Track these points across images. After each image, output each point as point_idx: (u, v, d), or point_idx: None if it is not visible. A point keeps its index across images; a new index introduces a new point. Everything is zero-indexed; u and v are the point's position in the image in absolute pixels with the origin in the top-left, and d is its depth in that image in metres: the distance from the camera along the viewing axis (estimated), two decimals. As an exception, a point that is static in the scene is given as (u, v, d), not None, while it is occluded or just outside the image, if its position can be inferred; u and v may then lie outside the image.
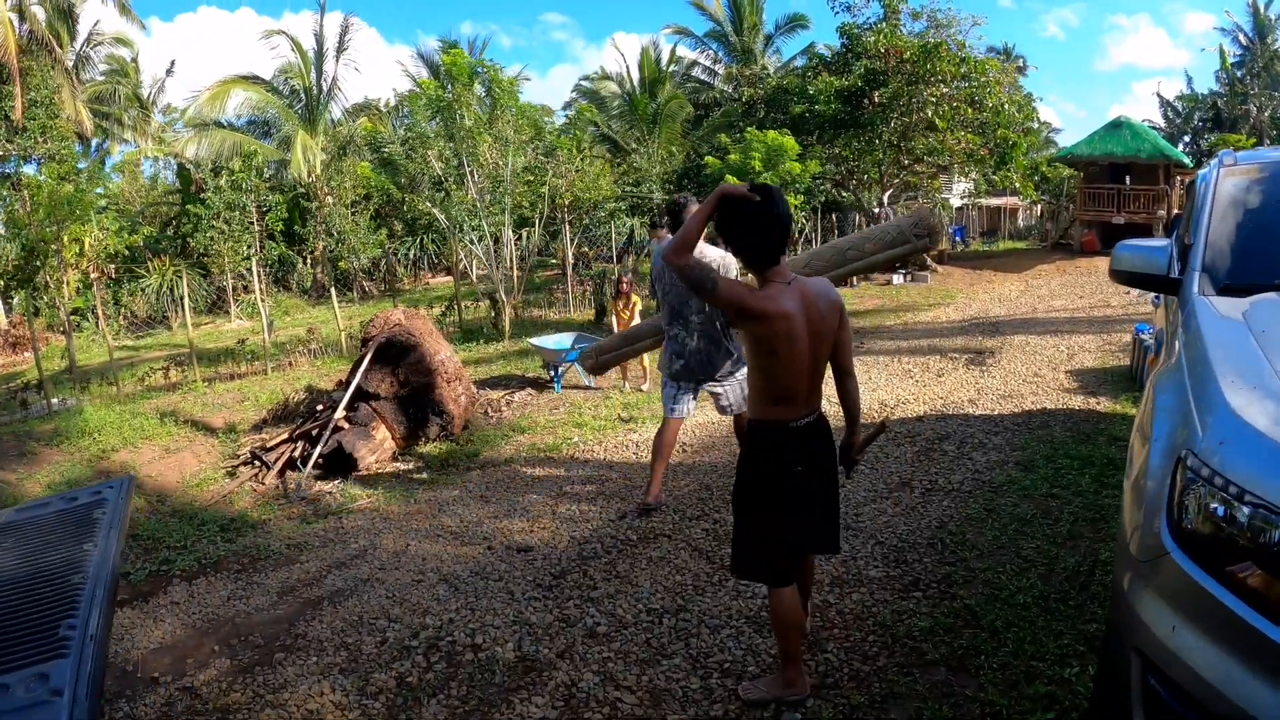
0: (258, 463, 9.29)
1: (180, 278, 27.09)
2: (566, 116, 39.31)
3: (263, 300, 24.93)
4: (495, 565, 5.69)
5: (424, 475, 8.55)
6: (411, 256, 30.32)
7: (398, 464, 9.03)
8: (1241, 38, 43.56)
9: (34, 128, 28.40)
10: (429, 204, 17.22)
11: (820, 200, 23.71)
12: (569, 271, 20.34)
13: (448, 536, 6.53)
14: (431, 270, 32.81)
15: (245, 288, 29.12)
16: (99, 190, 35.34)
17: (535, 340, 12.24)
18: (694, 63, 38.93)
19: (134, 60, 39.37)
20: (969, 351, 11.96)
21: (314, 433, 9.27)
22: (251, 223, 24.61)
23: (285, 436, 9.66)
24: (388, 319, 9.94)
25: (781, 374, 3.49)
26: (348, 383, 9.61)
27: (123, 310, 27.84)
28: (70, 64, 34.74)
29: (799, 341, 3.41)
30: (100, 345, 23.02)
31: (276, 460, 9.22)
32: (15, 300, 24.81)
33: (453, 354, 9.94)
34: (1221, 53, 43.12)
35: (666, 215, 6.50)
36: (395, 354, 9.57)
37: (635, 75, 36.93)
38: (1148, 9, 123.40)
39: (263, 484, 8.94)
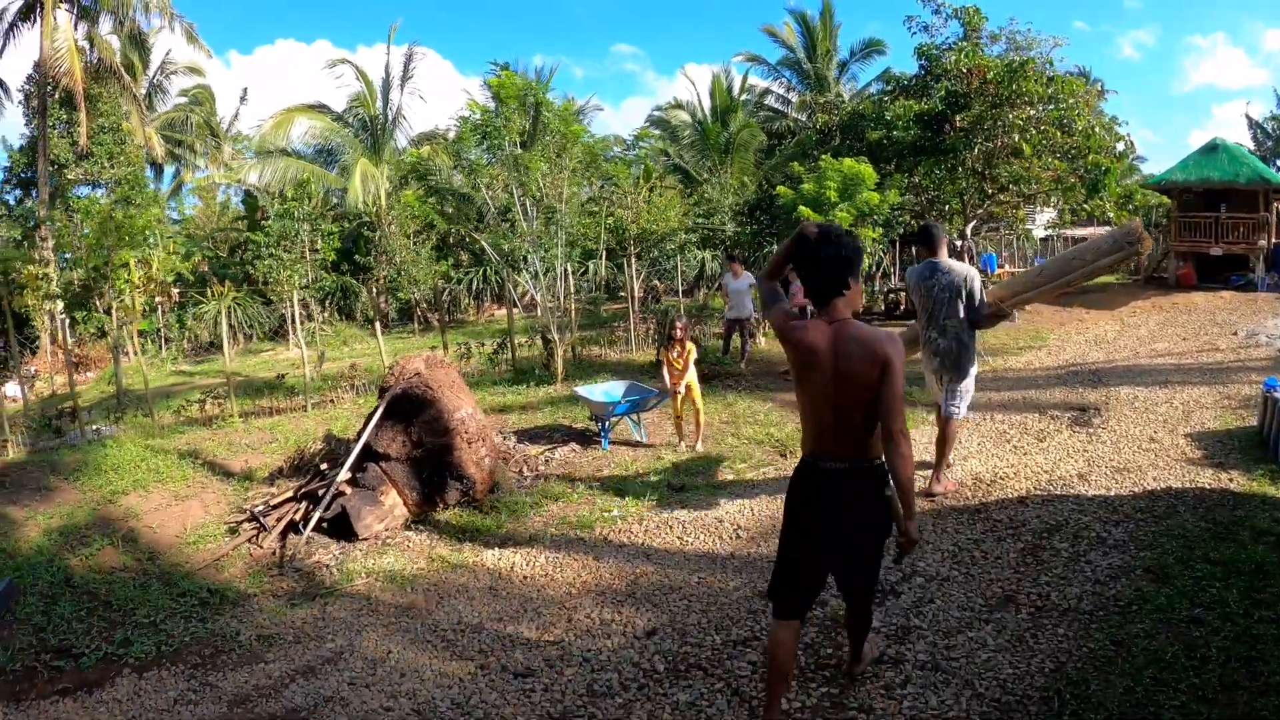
0: (257, 522, 8.27)
1: (238, 305, 26.72)
2: (638, 148, 38.60)
3: (306, 331, 24.41)
4: (483, 694, 4.60)
5: (435, 551, 7.41)
6: (474, 288, 29.48)
7: (410, 533, 7.90)
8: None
9: (100, 153, 28.42)
10: (474, 234, 16.29)
11: (898, 233, 22.34)
12: (632, 308, 19.21)
13: (438, 643, 5.44)
14: (497, 302, 32.01)
15: (309, 315, 28.71)
16: (174, 216, 35.57)
17: (581, 389, 11.06)
18: (766, 91, 37.69)
19: (199, 88, 39.53)
20: (1071, 408, 10.55)
21: (320, 492, 8.22)
22: (304, 252, 23.94)
23: (290, 494, 8.62)
24: (404, 368, 8.85)
25: (804, 403, 3.83)
26: (357, 439, 8.56)
27: (187, 334, 27.43)
28: (143, 91, 35.04)
29: (817, 376, 3.65)
30: (159, 370, 22.62)
31: (277, 522, 8.18)
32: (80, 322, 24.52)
33: (475, 410, 8.76)
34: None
35: (918, 237, 7.98)
36: (410, 409, 8.46)
37: (707, 104, 35.80)
38: (1224, 28, 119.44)
39: (260, 547, 7.91)
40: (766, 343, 16.65)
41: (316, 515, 7.92)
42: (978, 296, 6.97)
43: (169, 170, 40.23)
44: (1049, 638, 4.71)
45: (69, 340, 25.13)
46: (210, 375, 21.28)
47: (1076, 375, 12.85)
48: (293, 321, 26.33)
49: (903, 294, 21.92)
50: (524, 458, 9.88)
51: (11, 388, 18.65)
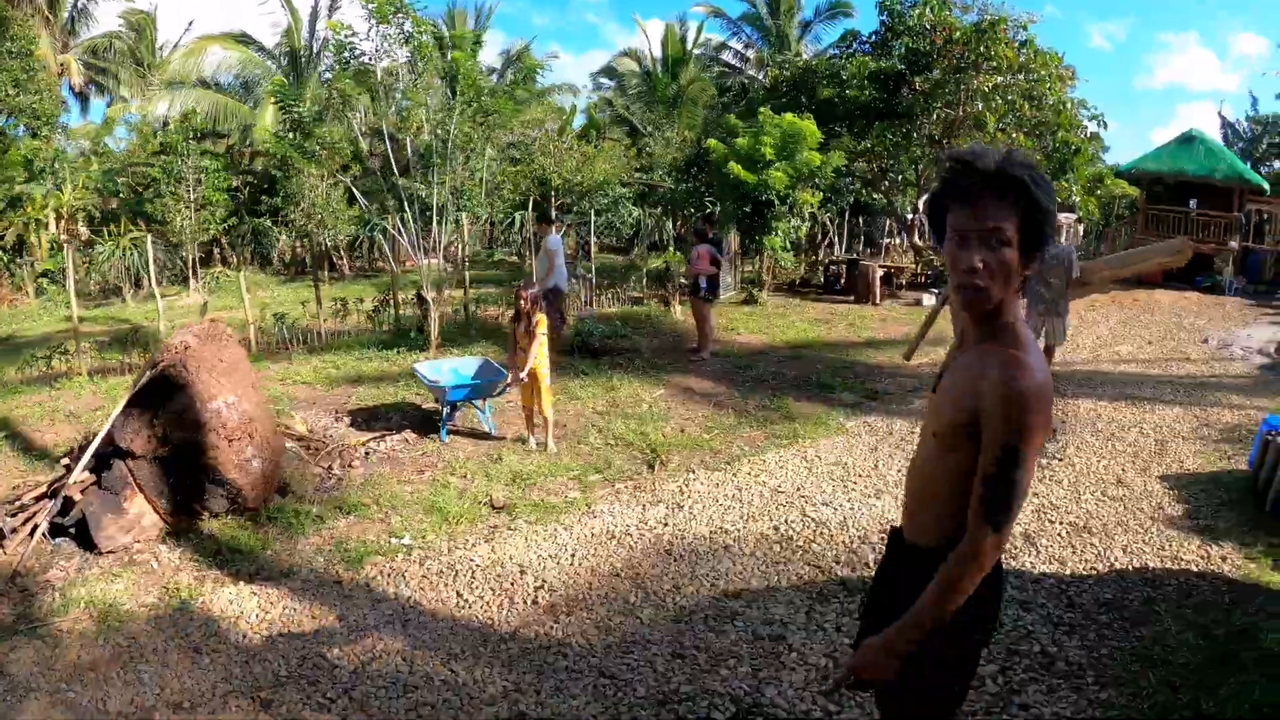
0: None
1: (135, 246, 24.47)
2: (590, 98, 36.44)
3: (210, 276, 22.27)
4: None
5: (176, 578, 5.56)
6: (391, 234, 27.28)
7: (163, 547, 6.05)
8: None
9: (5, 80, 25.92)
10: (342, 176, 14.32)
11: (848, 202, 20.41)
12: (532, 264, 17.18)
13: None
14: (424, 251, 29.84)
15: (224, 259, 26.57)
16: (85, 148, 33.12)
17: (421, 367, 9.04)
18: (723, 45, 35.62)
19: (141, 14, 36.93)
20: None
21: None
22: (189, 191, 21.77)
23: (44, 489, 6.64)
24: (169, 345, 6.78)
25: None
26: (98, 431, 6.55)
27: (95, 276, 25.14)
28: (66, 15, 32.55)
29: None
30: (52, 314, 20.39)
31: (23, 525, 6.20)
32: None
33: (243, 399, 6.59)
34: (1295, 70, 39.07)
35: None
36: (161, 396, 6.48)
37: (657, 53, 33.71)
38: (1197, 27, 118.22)
39: (4, 552, 5.99)
40: (683, 312, 14.65)
41: (44, 522, 6.09)
42: (1075, 268, 9.52)
43: (100, 102, 37.62)
44: None
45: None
46: (102, 322, 19.07)
47: (1029, 377, 11.11)
48: (195, 265, 24.30)
49: (844, 266, 20.02)
50: (339, 449, 7.90)
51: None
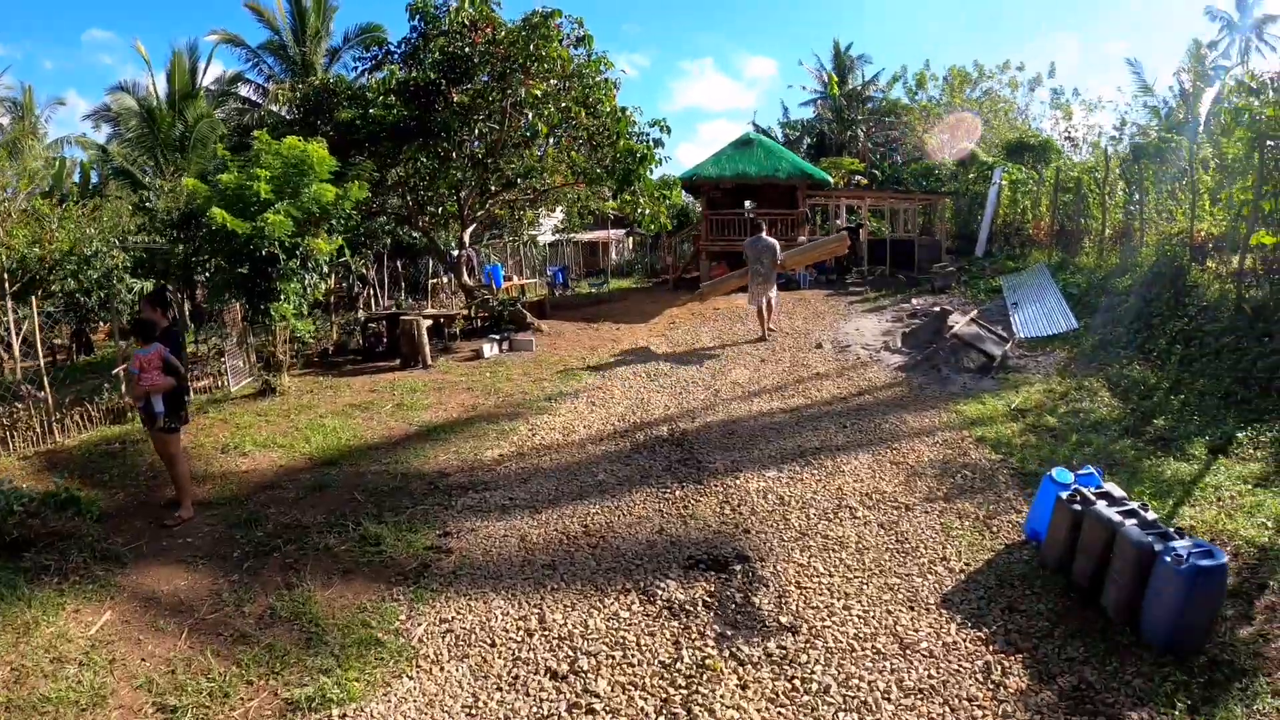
0: None
1: None
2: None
3: None
4: None
5: None
6: None
7: None
8: (824, 75, 44.50)
9: None
10: None
11: (384, 244, 17.13)
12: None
13: None
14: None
15: None
16: None
17: None
18: (239, 77, 31.01)
19: None
20: (694, 562, 5.70)
21: None
22: None
23: None
24: None
25: None
26: None
27: None
28: None
29: None
30: None
31: None
32: None
33: None
34: (831, 81, 43.11)
35: (752, 227, 16.97)
36: None
37: (163, 88, 28.34)
38: (711, 54, 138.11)
39: None
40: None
41: None
42: (779, 255, 15.12)
43: None
44: None
45: None
46: None
47: (652, 451, 8.29)
48: None
49: (384, 323, 16.39)
50: None
51: None
